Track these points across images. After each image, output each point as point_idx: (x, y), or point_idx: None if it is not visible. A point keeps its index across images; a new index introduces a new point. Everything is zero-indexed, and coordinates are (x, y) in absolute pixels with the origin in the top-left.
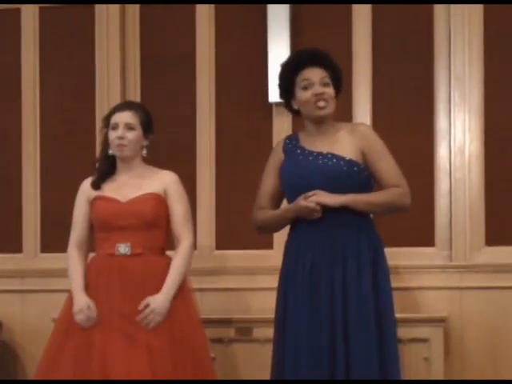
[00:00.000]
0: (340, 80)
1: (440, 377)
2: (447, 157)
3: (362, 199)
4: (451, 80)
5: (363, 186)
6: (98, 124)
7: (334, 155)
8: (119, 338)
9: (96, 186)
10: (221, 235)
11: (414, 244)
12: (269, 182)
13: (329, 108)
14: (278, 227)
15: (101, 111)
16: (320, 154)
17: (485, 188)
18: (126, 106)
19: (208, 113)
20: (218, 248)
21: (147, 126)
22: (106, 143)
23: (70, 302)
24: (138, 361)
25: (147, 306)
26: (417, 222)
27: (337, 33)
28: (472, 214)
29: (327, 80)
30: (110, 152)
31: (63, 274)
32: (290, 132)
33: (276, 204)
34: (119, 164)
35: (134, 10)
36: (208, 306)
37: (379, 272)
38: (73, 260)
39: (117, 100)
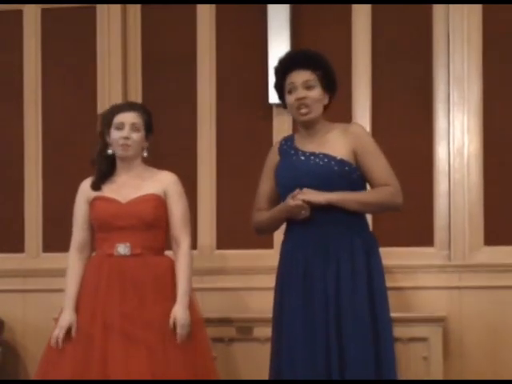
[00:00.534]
0: (332, 80)
1: (439, 376)
2: (446, 157)
3: (350, 197)
4: (450, 80)
5: (355, 186)
6: None
7: (325, 155)
8: (119, 338)
9: (96, 186)
10: (221, 235)
11: (413, 244)
12: (266, 183)
13: (312, 113)
14: (273, 228)
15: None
16: (312, 154)
17: (484, 188)
18: (130, 106)
19: (208, 113)
20: (218, 248)
21: (149, 128)
22: (104, 142)
23: None
24: (138, 361)
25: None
26: (416, 222)
27: (337, 32)
28: (471, 214)
29: (312, 83)
30: (110, 151)
31: (65, 273)
32: (290, 132)
33: (274, 205)
34: (119, 164)
35: (135, 10)
36: (209, 305)
37: (373, 272)
38: (72, 267)
39: (118, 100)
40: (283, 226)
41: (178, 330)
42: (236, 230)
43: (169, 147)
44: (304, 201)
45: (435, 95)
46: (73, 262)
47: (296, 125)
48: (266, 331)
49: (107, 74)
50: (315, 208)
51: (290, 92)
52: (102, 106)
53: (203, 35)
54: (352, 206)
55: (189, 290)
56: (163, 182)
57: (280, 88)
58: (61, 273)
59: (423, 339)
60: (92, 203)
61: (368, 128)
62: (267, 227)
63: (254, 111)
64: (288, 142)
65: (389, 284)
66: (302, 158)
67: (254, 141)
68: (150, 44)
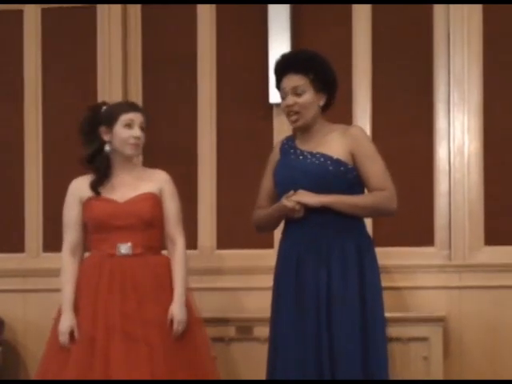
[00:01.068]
0: (326, 81)
1: (439, 376)
2: (446, 157)
3: (344, 201)
4: (450, 80)
5: (351, 187)
6: None
7: (322, 154)
8: (120, 338)
9: (96, 189)
10: (221, 235)
11: (414, 244)
12: (267, 182)
13: (301, 120)
14: (271, 226)
15: None
16: (310, 153)
17: (484, 188)
18: (136, 106)
19: (209, 113)
20: (218, 248)
21: (146, 129)
22: (98, 140)
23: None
24: (139, 360)
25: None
26: (416, 222)
27: (337, 33)
28: (471, 213)
29: (302, 88)
30: (108, 149)
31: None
32: (290, 132)
33: (274, 203)
34: (117, 163)
35: (135, 10)
36: (209, 305)
37: (366, 272)
38: (66, 269)
39: (119, 100)
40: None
41: (175, 326)
42: (236, 230)
43: (169, 147)
44: (298, 202)
45: (435, 95)
46: (67, 263)
47: None
48: (266, 331)
49: (107, 73)
50: (309, 209)
51: (282, 98)
52: None
53: (203, 35)
54: (345, 208)
55: (185, 289)
56: (158, 181)
57: (279, 92)
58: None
59: (423, 339)
60: (87, 203)
61: (368, 128)
62: (265, 225)
63: (254, 111)
64: (289, 141)
65: (389, 284)
66: (300, 157)
67: (254, 141)
68: (150, 44)
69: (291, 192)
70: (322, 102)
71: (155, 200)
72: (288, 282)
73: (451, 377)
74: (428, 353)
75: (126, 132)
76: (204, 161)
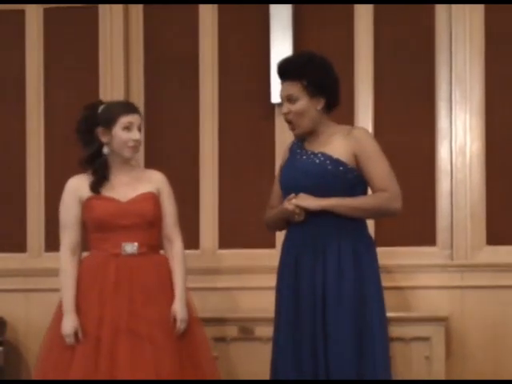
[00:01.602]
0: (321, 86)
1: (441, 375)
2: (448, 156)
3: (344, 204)
4: (452, 79)
5: (351, 187)
6: None
7: (323, 154)
8: (127, 337)
9: (96, 190)
10: (223, 235)
11: (416, 243)
12: (278, 181)
13: (298, 129)
14: (278, 226)
15: None
16: (313, 153)
17: (486, 187)
18: (134, 107)
19: (211, 113)
20: (220, 247)
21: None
22: (96, 141)
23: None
24: (145, 360)
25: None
26: (418, 222)
27: (339, 32)
28: (473, 213)
29: (295, 95)
30: (106, 151)
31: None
32: (291, 132)
33: None
34: (116, 164)
35: (137, 10)
36: (210, 305)
37: (364, 274)
38: (66, 269)
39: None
40: None
41: (178, 325)
42: (238, 230)
43: (171, 147)
44: (297, 206)
45: (437, 95)
46: (66, 264)
47: None
48: (268, 331)
49: (109, 73)
50: (310, 212)
51: (281, 105)
52: None
53: (205, 35)
54: (346, 211)
55: (185, 288)
56: (156, 181)
57: None
58: None
59: (425, 339)
60: (87, 203)
61: (370, 128)
62: (273, 224)
63: (256, 111)
64: (299, 141)
65: (391, 283)
66: (304, 157)
67: (256, 140)
68: (152, 44)
69: (292, 195)
70: (320, 106)
71: (155, 200)
72: (287, 282)
73: (453, 377)
74: (430, 352)
75: (126, 135)
76: (206, 161)
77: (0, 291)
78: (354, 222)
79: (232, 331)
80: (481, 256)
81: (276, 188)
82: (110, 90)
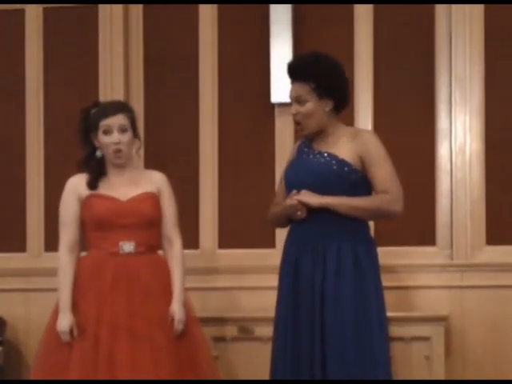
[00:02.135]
0: (330, 88)
1: (441, 375)
2: (448, 157)
3: (344, 202)
4: (452, 80)
5: (354, 188)
6: None
7: (329, 154)
8: (126, 336)
9: (93, 185)
10: (223, 234)
11: (416, 243)
12: (283, 179)
13: (305, 130)
14: (279, 224)
15: None
16: (319, 152)
17: (485, 187)
18: (115, 108)
19: (211, 113)
20: (220, 247)
21: (135, 125)
22: (91, 145)
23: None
24: (144, 359)
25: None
26: (418, 222)
27: (338, 32)
28: (473, 213)
29: (304, 97)
30: (99, 154)
31: None
32: (292, 132)
33: None
34: (112, 166)
35: (137, 10)
36: (210, 304)
37: (364, 275)
38: (64, 268)
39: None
40: None
41: (175, 325)
42: (238, 230)
43: (171, 147)
44: (299, 202)
45: (437, 95)
46: (65, 262)
47: None
48: (268, 330)
49: (109, 73)
50: (311, 209)
51: (291, 105)
52: None
53: (205, 35)
54: (345, 210)
55: (183, 289)
56: (156, 181)
57: None
58: None
59: (425, 338)
60: (87, 201)
61: (370, 127)
62: (274, 221)
63: (256, 111)
64: (307, 140)
65: (390, 283)
66: (310, 156)
67: (256, 140)
68: (152, 44)
69: (294, 191)
70: (328, 108)
71: (155, 199)
72: (287, 281)
73: (453, 376)
74: (430, 352)
75: (106, 139)
76: (206, 160)
77: (0, 291)
78: (355, 223)
79: (232, 331)
80: (481, 256)
81: (281, 185)
82: (110, 89)
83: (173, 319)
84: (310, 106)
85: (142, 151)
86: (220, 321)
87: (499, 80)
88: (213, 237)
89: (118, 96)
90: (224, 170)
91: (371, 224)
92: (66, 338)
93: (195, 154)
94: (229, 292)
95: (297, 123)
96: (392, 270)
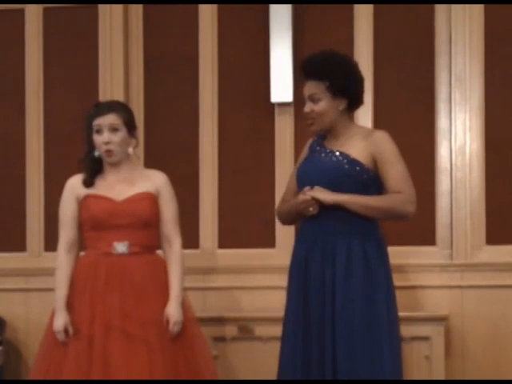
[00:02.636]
0: (344, 87)
1: (441, 375)
2: (448, 156)
3: (357, 201)
4: (452, 80)
5: (365, 188)
6: None
7: (341, 153)
8: (120, 337)
9: (89, 182)
10: (223, 234)
11: (416, 243)
12: (293, 177)
13: (316, 125)
14: (289, 220)
15: None
16: (331, 151)
17: (485, 187)
18: (107, 108)
19: (210, 113)
20: (220, 247)
21: (131, 124)
22: (91, 145)
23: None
24: (139, 360)
25: (168, 321)
26: (418, 221)
27: (339, 32)
28: (473, 213)
29: (318, 95)
30: (97, 154)
31: None
32: (292, 132)
33: None
34: (106, 165)
35: (137, 10)
36: (210, 304)
37: (374, 274)
38: (61, 267)
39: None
40: None
41: (171, 327)
42: (238, 230)
43: (171, 146)
44: (312, 198)
45: (437, 95)
46: (62, 261)
47: (298, 125)
48: (268, 330)
49: (109, 73)
50: (324, 207)
51: (304, 103)
52: None
53: (205, 35)
54: (357, 208)
55: (182, 289)
56: (155, 181)
57: None
58: None
59: (425, 338)
60: (83, 201)
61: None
62: (285, 217)
63: (256, 111)
64: (320, 138)
65: None
66: (322, 154)
67: (255, 140)
68: (151, 44)
69: (307, 187)
70: (341, 107)
71: (152, 199)
72: (297, 280)
73: (453, 376)
74: (430, 352)
75: (98, 138)
76: (206, 160)
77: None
78: (366, 222)
79: (231, 331)
80: (480, 255)
81: (291, 183)
82: (110, 89)
83: (168, 321)
84: (323, 104)
85: (141, 151)
86: (220, 321)
87: (499, 79)
88: (212, 236)
89: (118, 96)
90: (224, 169)
91: None
92: (61, 337)
93: (195, 154)
94: (228, 292)
95: (309, 119)
96: (392, 269)
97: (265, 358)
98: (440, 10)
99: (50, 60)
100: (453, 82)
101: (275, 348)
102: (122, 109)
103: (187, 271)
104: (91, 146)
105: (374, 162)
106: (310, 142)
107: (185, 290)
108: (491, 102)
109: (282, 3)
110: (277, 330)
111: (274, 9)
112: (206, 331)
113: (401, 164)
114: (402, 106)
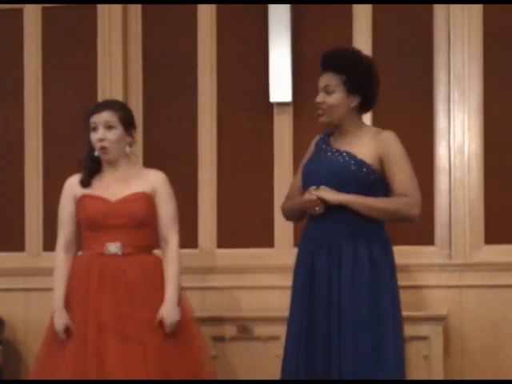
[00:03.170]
0: (360, 85)
1: (440, 375)
2: (447, 156)
3: (363, 201)
4: (451, 80)
5: (371, 189)
6: None
7: (348, 153)
8: (114, 337)
9: (86, 183)
10: (222, 234)
11: (414, 243)
12: (298, 174)
13: (326, 117)
14: (295, 217)
15: None
16: (338, 151)
17: (484, 187)
18: (103, 105)
19: (209, 112)
20: (219, 247)
21: (128, 123)
22: (91, 145)
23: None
24: (135, 360)
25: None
26: (417, 221)
27: (337, 32)
28: (471, 212)
29: (332, 87)
30: (97, 153)
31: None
32: (291, 132)
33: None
34: (104, 164)
35: (135, 10)
36: (209, 304)
37: (379, 275)
38: (59, 267)
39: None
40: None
41: (166, 329)
42: (237, 229)
43: (169, 146)
44: (318, 197)
45: (436, 95)
46: (59, 261)
47: (297, 125)
48: (268, 330)
49: (108, 73)
50: (329, 207)
51: (318, 94)
52: None
53: (204, 35)
54: (362, 209)
55: (178, 288)
56: (152, 181)
57: None
58: None
59: (424, 338)
60: (80, 201)
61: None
62: (289, 215)
63: (255, 110)
64: (326, 137)
65: None
66: (329, 153)
67: (254, 140)
68: (150, 44)
69: (313, 187)
70: (354, 104)
71: (148, 199)
72: (303, 280)
73: (452, 376)
74: (429, 352)
75: (93, 136)
76: (204, 160)
77: None
78: (372, 224)
79: (231, 330)
80: (479, 255)
81: (296, 181)
82: (109, 89)
83: (161, 322)
84: (336, 97)
85: (140, 150)
86: (219, 320)
87: (498, 79)
88: (211, 236)
89: (117, 96)
90: (223, 169)
91: None
92: (62, 336)
93: (194, 154)
94: (227, 291)
95: (320, 110)
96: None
97: (264, 358)
98: (439, 9)
99: (49, 60)
100: (451, 82)
101: (274, 348)
102: (118, 107)
103: (186, 271)
104: (91, 146)
105: (381, 162)
106: (316, 139)
107: (184, 289)
108: (490, 102)
109: (281, 3)
110: (276, 330)
111: (273, 9)
112: (205, 331)
113: (408, 166)
114: (401, 105)
